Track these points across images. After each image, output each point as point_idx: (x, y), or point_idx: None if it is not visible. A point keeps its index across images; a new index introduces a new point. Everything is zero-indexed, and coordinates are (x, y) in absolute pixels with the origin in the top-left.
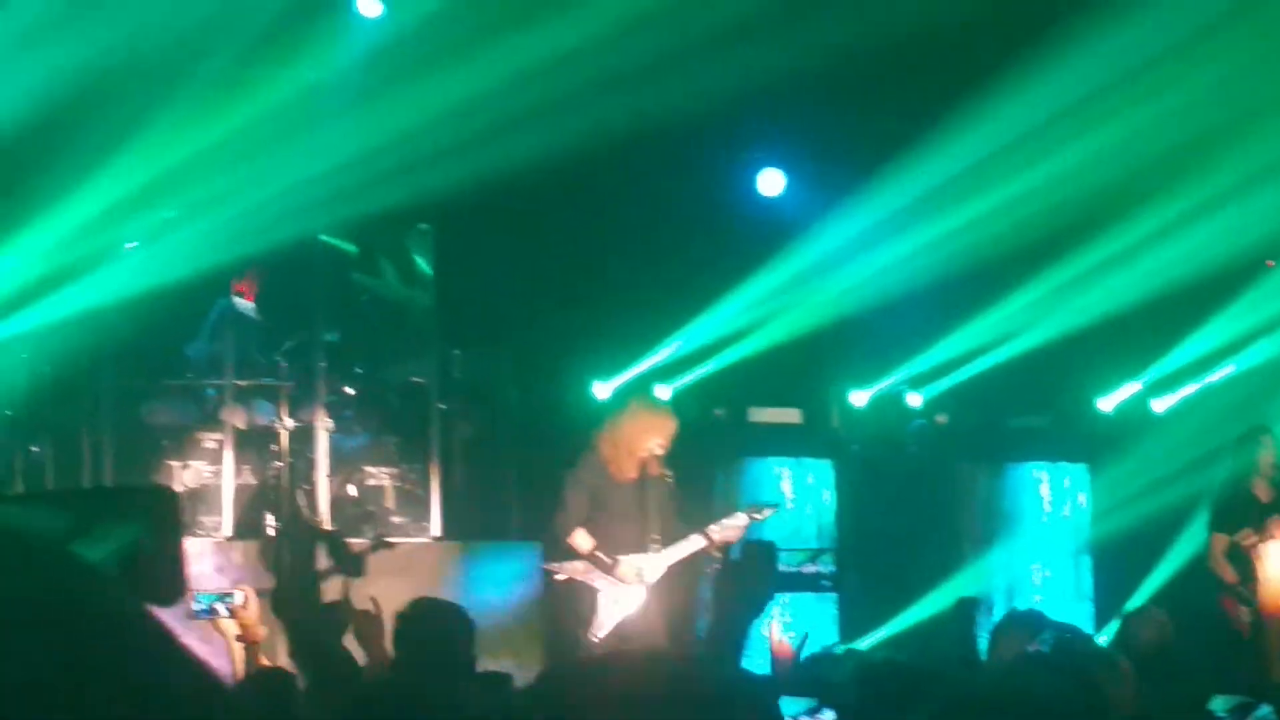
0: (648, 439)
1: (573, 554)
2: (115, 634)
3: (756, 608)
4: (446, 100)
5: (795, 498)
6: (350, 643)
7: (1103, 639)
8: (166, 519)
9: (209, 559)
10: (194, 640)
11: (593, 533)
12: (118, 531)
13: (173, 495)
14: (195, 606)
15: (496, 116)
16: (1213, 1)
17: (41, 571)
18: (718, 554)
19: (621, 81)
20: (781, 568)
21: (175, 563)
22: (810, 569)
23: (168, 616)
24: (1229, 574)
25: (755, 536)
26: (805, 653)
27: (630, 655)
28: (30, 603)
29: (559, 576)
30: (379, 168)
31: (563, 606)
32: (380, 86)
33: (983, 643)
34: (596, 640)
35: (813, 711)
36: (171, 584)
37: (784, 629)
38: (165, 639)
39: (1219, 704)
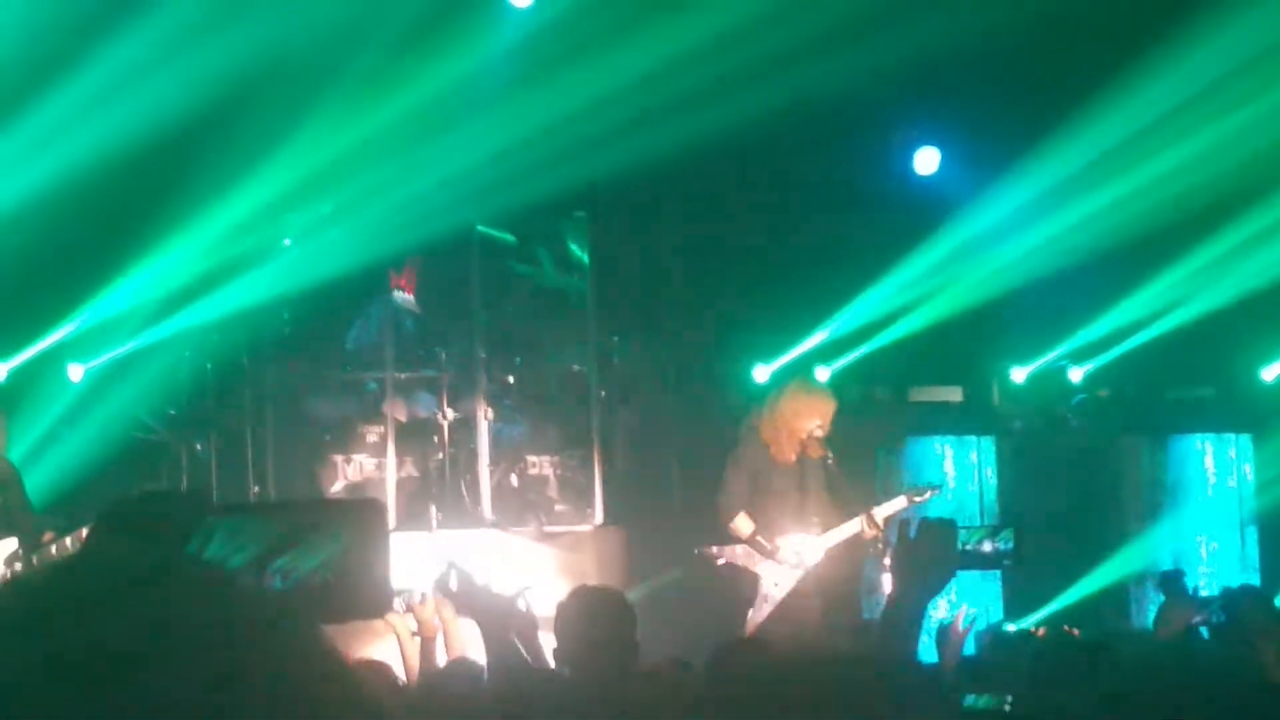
0: (807, 420)
1: (733, 537)
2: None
3: (935, 587)
4: (599, 87)
5: (957, 476)
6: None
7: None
8: (372, 532)
9: None
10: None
11: (753, 516)
12: (328, 543)
13: (379, 508)
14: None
15: (650, 103)
16: None
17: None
18: (877, 536)
19: (775, 64)
20: (959, 545)
21: (381, 575)
22: (989, 546)
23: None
24: None
25: (927, 516)
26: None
27: (794, 642)
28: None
29: (719, 560)
30: (534, 157)
31: (723, 590)
32: (533, 75)
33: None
34: (757, 623)
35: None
36: (377, 596)
37: (950, 609)
38: (329, 656)
39: None
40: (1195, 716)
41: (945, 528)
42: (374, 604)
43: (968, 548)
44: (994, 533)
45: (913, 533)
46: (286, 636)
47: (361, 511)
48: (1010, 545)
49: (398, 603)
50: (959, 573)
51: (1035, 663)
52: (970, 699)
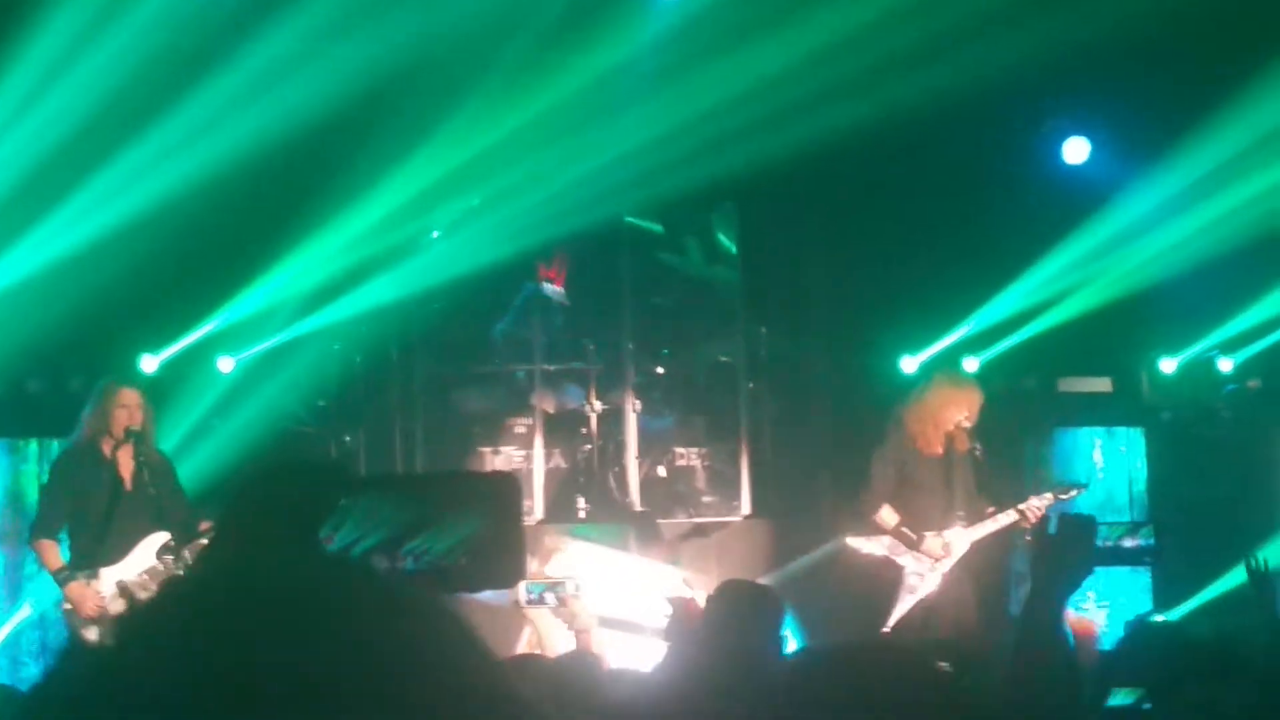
0: (954, 412)
1: (879, 529)
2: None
3: (1074, 583)
4: (746, 78)
5: (1106, 467)
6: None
7: None
8: (507, 506)
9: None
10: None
11: (899, 508)
12: (462, 524)
13: (515, 483)
14: (526, 595)
15: (798, 93)
16: None
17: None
18: (1026, 530)
19: (923, 54)
20: (1100, 542)
21: (515, 548)
22: (1130, 542)
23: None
24: None
25: (1067, 511)
26: (1119, 622)
27: (955, 631)
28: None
29: (864, 551)
30: (682, 147)
31: (867, 583)
32: (681, 66)
33: None
34: (899, 617)
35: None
36: (510, 567)
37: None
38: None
39: None
40: None
41: (1085, 524)
42: (506, 575)
43: (1109, 544)
44: (1135, 529)
45: (1052, 528)
46: (417, 621)
47: (497, 487)
48: (1151, 541)
49: (550, 596)
50: (1103, 567)
51: (1177, 656)
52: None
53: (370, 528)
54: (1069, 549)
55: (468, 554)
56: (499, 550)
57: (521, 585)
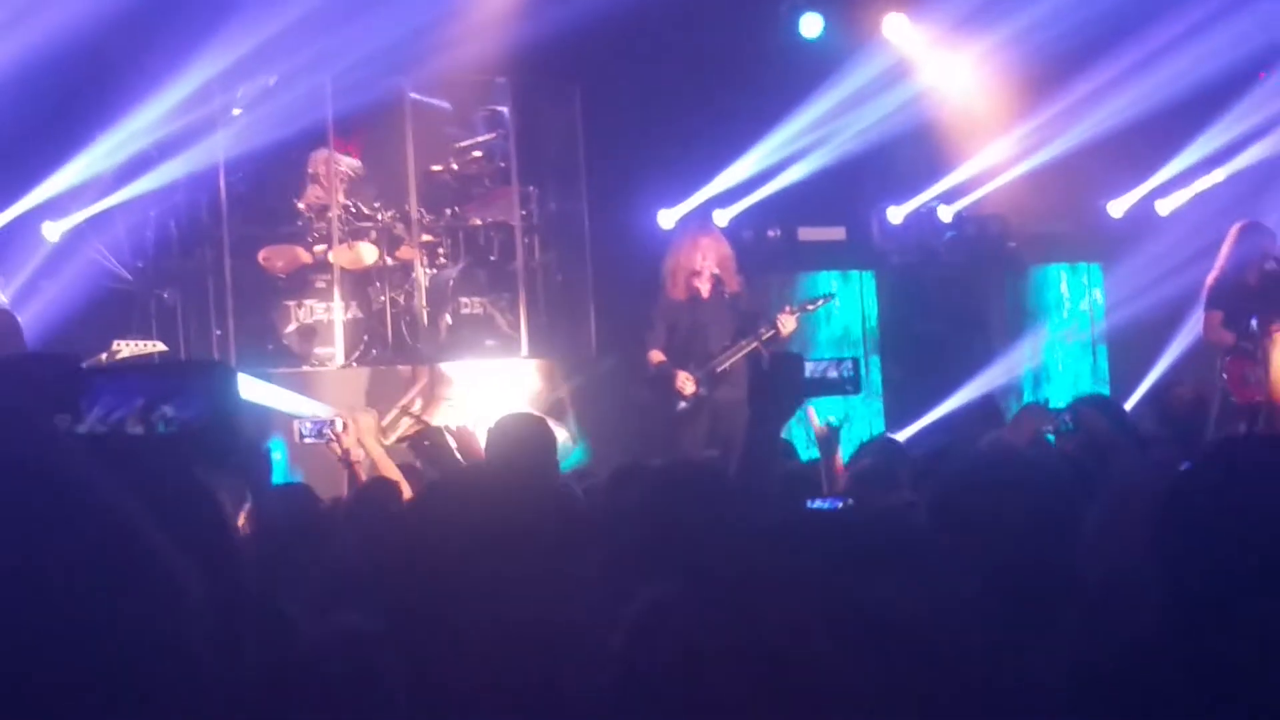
0: (702, 260)
1: (651, 366)
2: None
3: (786, 412)
4: None
5: (842, 305)
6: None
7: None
8: (224, 391)
9: (325, 387)
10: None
11: (668, 349)
12: (197, 398)
13: (228, 370)
14: (303, 435)
15: None
16: None
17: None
18: (768, 349)
19: None
20: (807, 375)
21: (230, 429)
22: (833, 373)
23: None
24: (1227, 338)
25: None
26: (849, 437)
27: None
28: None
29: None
30: (461, 28)
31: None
32: None
33: None
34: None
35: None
36: (226, 446)
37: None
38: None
39: None
40: (991, 503)
41: (793, 359)
42: (222, 452)
43: (814, 376)
44: (837, 364)
45: (765, 365)
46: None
47: (214, 369)
48: (850, 374)
49: (318, 434)
50: (841, 396)
51: (880, 463)
52: (813, 502)
53: (123, 400)
54: (780, 381)
55: (206, 419)
56: (215, 429)
57: (295, 426)
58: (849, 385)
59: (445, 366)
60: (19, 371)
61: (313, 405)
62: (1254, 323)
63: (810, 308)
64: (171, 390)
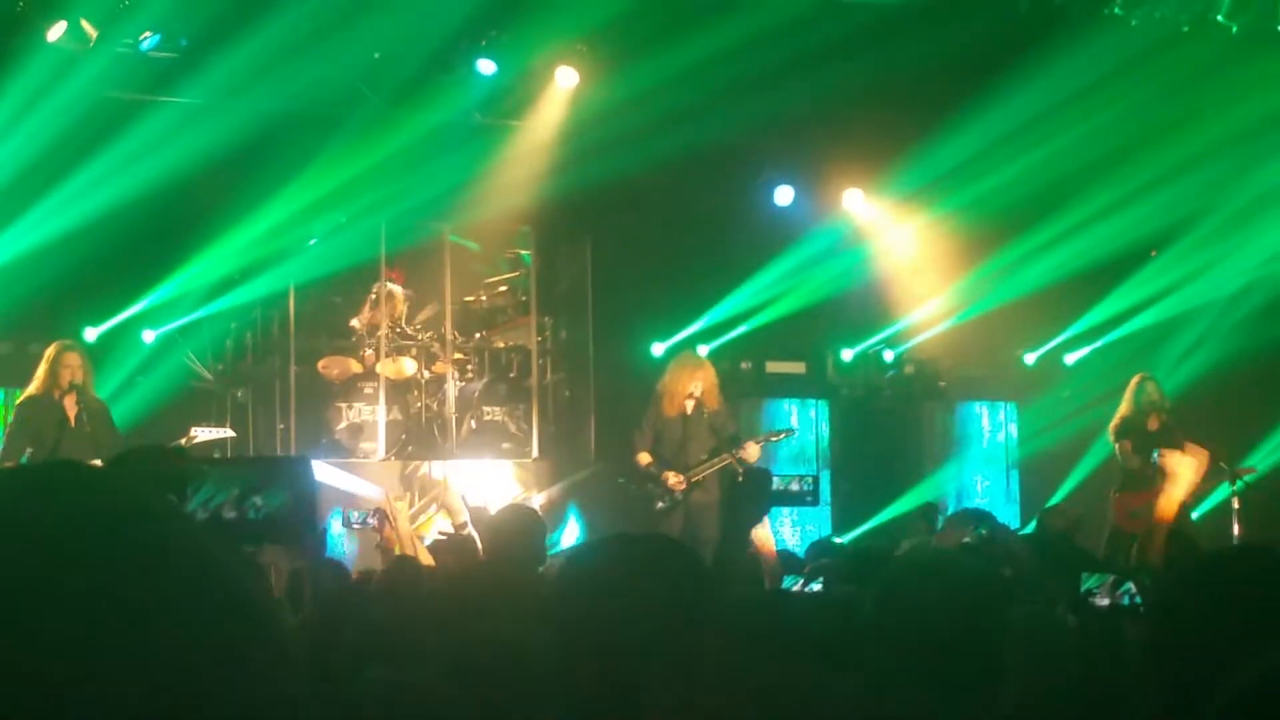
0: (689, 383)
1: (639, 467)
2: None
3: (756, 518)
4: (541, 133)
5: (800, 428)
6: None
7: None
8: (304, 482)
9: (369, 476)
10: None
11: (654, 453)
12: (282, 491)
13: (306, 463)
14: (353, 522)
15: (579, 145)
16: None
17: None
18: (740, 467)
19: (670, 121)
20: (774, 487)
21: (308, 517)
22: (796, 486)
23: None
24: (1134, 461)
25: (761, 465)
26: (806, 542)
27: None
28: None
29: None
30: (494, 184)
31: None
32: (496, 125)
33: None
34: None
35: (805, 583)
36: (302, 529)
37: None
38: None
39: (1092, 581)
40: (926, 601)
41: (763, 475)
42: (301, 536)
43: (780, 489)
44: (800, 479)
45: (740, 478)
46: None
47: (296, 462)
48: (810, 488)
49: (365, 521)
50: (797, 506)
51: (840, 562)
52: (790, 580)
53: (221, 488)
54: (752, 492)
55: (282, 512)
56: (295, 513)
57: (344, 513)
58: (809, 497)
59: (467, 462)
60: (138, 462)
61: (364, 486)
62: (1155, 455)
63: (774, 439)
64: (262, 481)
